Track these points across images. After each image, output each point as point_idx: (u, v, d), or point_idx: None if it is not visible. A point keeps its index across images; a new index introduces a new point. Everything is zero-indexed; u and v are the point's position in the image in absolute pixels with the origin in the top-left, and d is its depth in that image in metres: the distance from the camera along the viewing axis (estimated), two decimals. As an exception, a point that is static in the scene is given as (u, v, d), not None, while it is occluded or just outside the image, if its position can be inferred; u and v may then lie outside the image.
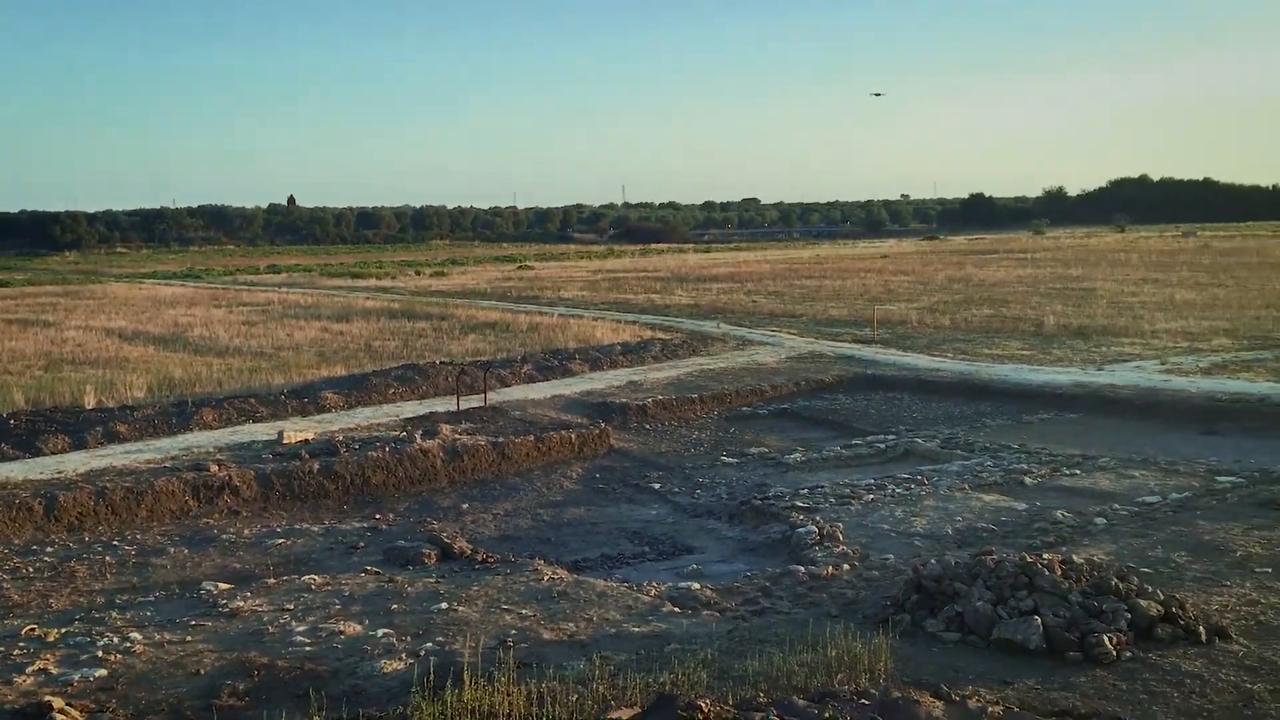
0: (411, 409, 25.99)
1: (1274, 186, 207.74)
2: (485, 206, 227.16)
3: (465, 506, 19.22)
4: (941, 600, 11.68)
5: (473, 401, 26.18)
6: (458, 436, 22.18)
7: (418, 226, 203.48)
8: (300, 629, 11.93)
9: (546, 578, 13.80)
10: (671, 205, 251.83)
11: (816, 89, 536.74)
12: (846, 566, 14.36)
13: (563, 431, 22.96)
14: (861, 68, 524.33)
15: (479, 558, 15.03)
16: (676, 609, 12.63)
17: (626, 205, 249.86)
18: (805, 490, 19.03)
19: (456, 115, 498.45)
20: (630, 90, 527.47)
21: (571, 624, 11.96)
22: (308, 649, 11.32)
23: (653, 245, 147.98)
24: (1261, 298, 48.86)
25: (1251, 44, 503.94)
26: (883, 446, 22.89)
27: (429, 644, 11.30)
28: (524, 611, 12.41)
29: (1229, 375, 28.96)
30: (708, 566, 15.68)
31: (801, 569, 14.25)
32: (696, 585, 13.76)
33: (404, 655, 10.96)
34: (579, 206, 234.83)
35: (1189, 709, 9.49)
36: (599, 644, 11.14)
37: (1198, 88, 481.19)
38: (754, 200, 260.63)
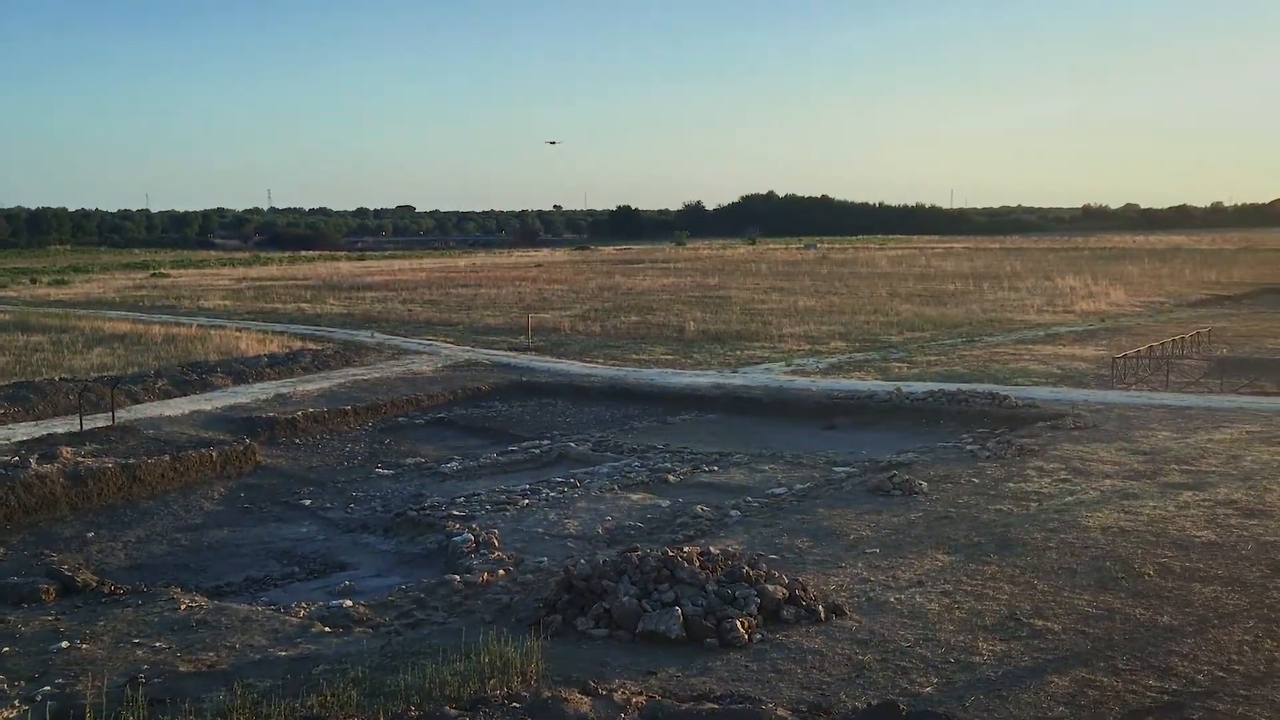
0: (26, 431, 23.58)
1: (879, 204, 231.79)
2: (113, 209, 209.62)
3: (91, 535, 17.68)
4: (592, 598, 12.10)
5: (99, 421, 24.10)
6: (81, 459, 20.34)
7: (33, 230, 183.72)
8: (-114, 686, 10.50)
9: (184, 606, 12.97)
10: (323, 211, 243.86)
11: (474, 97, 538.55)
12: (502, 572, 14.54)
13: (203, 450, 21.65)
14: (517, 80, 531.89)
15: (106, 589, 13.88)
16: (327, 629, 12.27)
17: (274, 210, 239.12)
18: (462, 498, 19.08)
19: (78, 107, 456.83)
20: (275, 89, 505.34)
21: (212, 653, 11.32)
22: (-104, 707, 9.99)
23: (303, 252, 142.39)
24: (870, 304, 54.24)
25: (857, 76, 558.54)
26: (538, 451, 23.35)
27: (47, 687, 10.31)
28: (158, 644, 11.60)
29: (844, 375, 31.97)
30: (361, 582, 15.35)
31: (457, 578, 14.27)
32: (349, 602, 13.43)
33: (17, 702, 9.93)
34: (221, 211, 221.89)
35: (810, 682, 10.40)
36: (242, 672, 10.62)
37: (810, 114, 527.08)
38: (409, 208, 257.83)
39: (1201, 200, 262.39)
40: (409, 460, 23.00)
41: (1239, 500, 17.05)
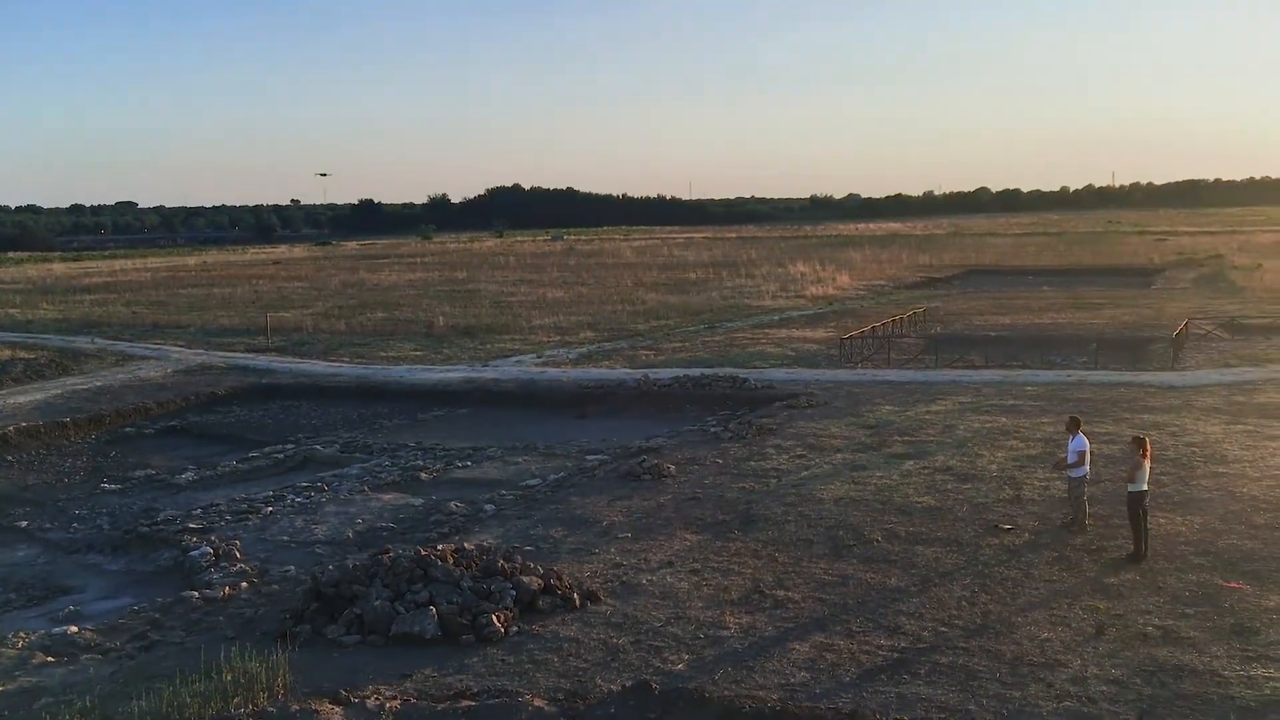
0: None
1: (623, 195, 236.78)
2: None
3: None
4: (342, 604, 11.77)
5: None
6: None
7: None
8: None
9: (-122, 649, 11.68)
10: (31, 209, 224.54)
11: (200, 85, 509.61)
12: (245, 584, 13.93)
13: (-105, 474, 19.55)
14: (247, 67, 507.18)
15: None
16: (50, 658, 11.37)
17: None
18: (199, 510, 18.13)
19: None
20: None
21: (-86, 697, 10.26)
22: None
23: (9, 253, 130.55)
24: (617, 294, 55.22)
25: (599, 70, 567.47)
26: (281, 456, 22.47)
27: None
28: None
29: (594, 364, 32.44)
30: (88, 606, 14.29)
31: (196, 593, 13.57)
32: (75, 628, 12.50)
33: None
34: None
35: (567, 670, 10.53)
36: (-50, 715, 9.70)
37: (554, 107, 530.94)
38: (131, 204, 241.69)
39: (915, 189, 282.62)
40: (139, 473, 21.62)
41: (954, 467, 18.51)
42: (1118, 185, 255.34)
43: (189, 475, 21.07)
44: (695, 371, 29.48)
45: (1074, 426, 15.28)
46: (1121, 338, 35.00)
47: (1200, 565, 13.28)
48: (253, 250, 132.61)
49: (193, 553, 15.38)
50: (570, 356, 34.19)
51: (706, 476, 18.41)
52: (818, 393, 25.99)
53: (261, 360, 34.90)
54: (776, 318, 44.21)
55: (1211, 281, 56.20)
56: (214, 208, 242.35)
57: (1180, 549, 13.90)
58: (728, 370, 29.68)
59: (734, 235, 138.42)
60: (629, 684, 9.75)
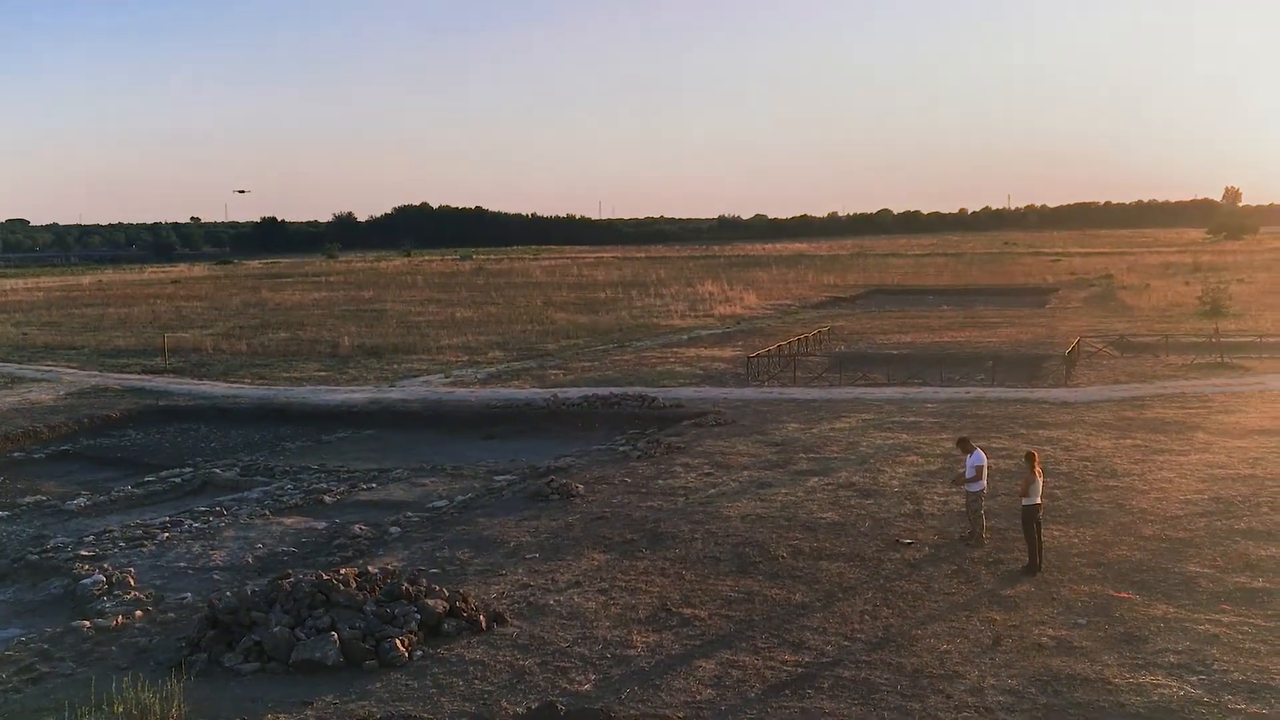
0: None
1: (532, 215, 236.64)
2: None
3: None
4: (240, 632, 11.50)
5: None
6: None
7: None
8: None
9: None
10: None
11: (93, 94, 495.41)
12: (139, 613, 13.52)
13: None
14: (144, 76, 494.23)
15: None
16: (-71, 695, 10.89)
17: None
18: (91, 537, 17.54)
19: None
20: None
21: None
22: None
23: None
24: (526, 314, 55.07)
25: (505, 89, 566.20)
26: (179, 480, 21.89)
27: None
28: None
29: (503, 384, 32.27)
30: (-29, 639, 13.72)
31: (88, 623, 13.13)
32: (-44, 663, 11.99)
33: None
34: None
35: (472, 693, 10.43)
36: None
37: (463, 124, 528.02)
38: (22, 221, 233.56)
39: (819, 211, 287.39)
40: (27, 499, 20.86)
41: (857, 482, 18.84)
42: (1013, 208, 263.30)
43: (81, 501, 20.40)
44: (604, 391, 29.52)
45: (964, 446, 15.75)
46: (1017, 355, 36.02)
47: (1092, 576, 13.71)
48: (151, 269, 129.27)
49: (84, 581, 14.88)
50: (479, 376, 33.97)
51: (615, 496, 18.43)
52: (725, 411, 26.22)
53: (158, 382, 34.02)
54: (685, 337, 44.50)
55: (1102, 301, 58.21)
56: (110, 225, 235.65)
57: (1073, 560, 14.33)
58: (637, 389, 29.78)
59: (643, 255, 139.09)
60: (535, 706, 9.71)
